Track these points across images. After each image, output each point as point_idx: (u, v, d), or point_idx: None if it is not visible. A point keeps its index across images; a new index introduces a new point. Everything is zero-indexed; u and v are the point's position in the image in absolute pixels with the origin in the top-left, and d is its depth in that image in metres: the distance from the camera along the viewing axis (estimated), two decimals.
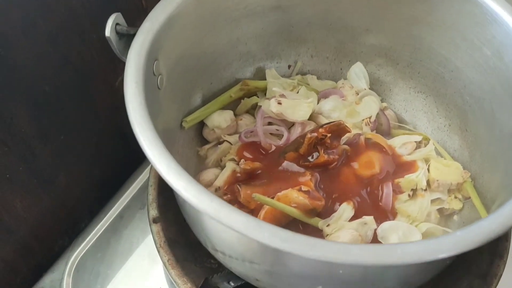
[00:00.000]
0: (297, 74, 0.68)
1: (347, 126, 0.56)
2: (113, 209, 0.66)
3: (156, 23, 0.48)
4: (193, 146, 0.62)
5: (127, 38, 0.48)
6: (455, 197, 0.56)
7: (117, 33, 0.47)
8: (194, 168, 0.61)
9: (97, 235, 0.64)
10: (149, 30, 0.47)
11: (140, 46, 0.46)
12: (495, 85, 0.52)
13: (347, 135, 0.57)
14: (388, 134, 0.63)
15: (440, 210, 0.56)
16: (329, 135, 0.54)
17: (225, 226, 0.36)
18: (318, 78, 0.68)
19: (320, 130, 0.54)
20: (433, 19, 0.56)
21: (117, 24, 0.47)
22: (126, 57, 0.45)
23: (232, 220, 0.36)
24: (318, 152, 0.55)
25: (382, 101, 0.66)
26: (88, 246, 0.64)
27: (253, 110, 0.65)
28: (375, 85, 0.67)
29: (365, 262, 0.34)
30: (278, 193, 0.52)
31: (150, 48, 0.46)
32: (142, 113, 0.42)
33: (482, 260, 0.53)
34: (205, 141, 0.63)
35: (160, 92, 0.51)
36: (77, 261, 0.62)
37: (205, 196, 0.37)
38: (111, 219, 0.66)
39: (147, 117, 0.42)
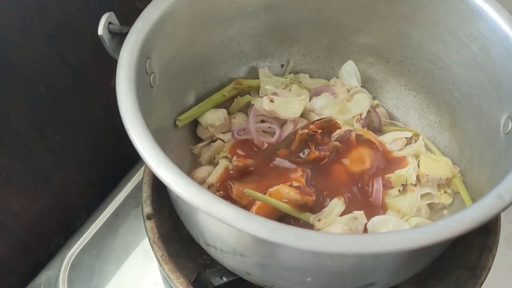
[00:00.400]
0: (290, 73, 0.69)
1: (337, 123, 0.56)
2: (108, 207, 0.67)
3: (148, 22, 0.49)
4: (187, 144, 0.63)
5: (120, 37, 0.49)
6: (445, 192, 0.57)
7: (110, 32, 0.48)
8: (188, 166, 0.62)
9: (93, 233, 0.65)
10: (141, 29, 0.48)
11: (132, 44, 0.47)
12: (483, 81, 0.53)
13: (338, 131, 0.58)
14: (379, 130, 0.63)
15: (430, 205, 0.57)
16: (319, 131, 0.55)
17: (214, 218, 0.37)
18: (311, 76, 0.69)
19: (311, 126, 0.55)
20: (422, 16, 0.57)
21: (109, 23, 0.48)
22: (119, 55, 0.46)
23: (221, 211, 0.37)
24: (309, 149, 0.56)
25: (374, 98, 0.67)
26: (84, 243, 0.64)
27: (246, 109, 0.65)
28: (367, 83, 0.68)
29: (350, 251, 0.35)
30: (270, 189, 0.53)
31: (142, 46, 0.47)
32: (133, 110, 0.43)
33: (471, 253, 0.54)
34: (199, 139, 0.64)
35: (153, 91, 0.52)
36: (72, 259, 0.63)
37: (194, 189, 0.38)
38: (107, 217, 0.67)
39: (138, 113, 0.42)
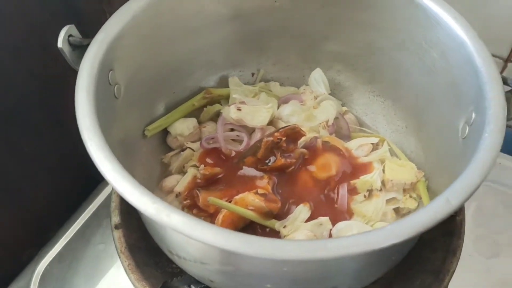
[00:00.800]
0: (260, 81, 0.69)
1: (302, 130, 0.57)
2: (80, 218, 0.68)
3: (110, 33, 0.49)
4: (157, 154, 0.63)
5: (81, 49, 0.49)
6: (410, 197, 0.57)
7: (71, 44, 0.49)
8: (158, 175, 0.62)
9: (64, 244, 0.66)
10: (102, 41, 0.48)
11: (93, 56, 0.47)
12: (443, 86, 0.54)
13: (304, 138, 0.59)
14: (348, 137, 0.64)
15: (396, 210, 0.57)
16: (284, 138, 0.56)
17: (166, 226, 0.37)
18: (281, 84, 0.69)
19: (276, 134, 0.56)
20: (383, 24, 0.58)
21: (70, 35, 0.48)
22: None
23: (172, 220, 0.37)
24: (275, 156, 0.57)
25: (343, 105, 0.68)
26: (55, 254, 0.65)
27: (217, 118, 0.65)
28: (336, 90, 0.68)
29: (297, 257, 0.35)
30: (235, 197, 0.54)
31: (104, 58, 0.48)
32: (91, 121, 0.43)
33: (435, 257, 0.54)
34: (169, 149, 0.64)
35: (118, 101, 0.52)
36: (43, 269, 0.63)
37: (147, 198, 0.38)
38: (78, 227, 0.67)
39: (96, 125, 0.43)
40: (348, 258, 0.39)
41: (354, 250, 0.35)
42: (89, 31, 0.53)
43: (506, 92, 0.46)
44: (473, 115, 0.47)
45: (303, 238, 0.51)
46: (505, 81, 0.46)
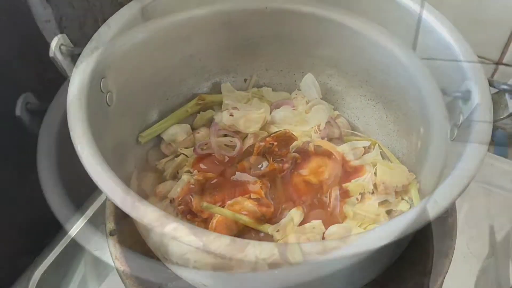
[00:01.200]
0: (253, 87, 0.70)
1: (293, 135, 0.58)
2: (75, 225, 0.68)
3: (101, 42, 0.50)
4: (152, 160, 0.64)
5: (73, 58, 0.50)
6: (402, 199, 0.58)
7: (62, 53, 0.49)
8: (152, 182, 0.62)
9: (60, 250, 0.66)
10: (94, 49, 0.49)
11: (85, 65, 0.48)
12: (432, 90, 0.54)
13: (295, 143, 0.59)
14: (340, 141, 0.64)
15: (388, 212, 0.58)
16: (275, 143, 0.56)
17: (158, 232, 0.38)
18: (274, 90, 0.70)
19: (268, 139, 0.57)
20: (372, 29, 0.58)
21: (61, 45, 0.49)
22: None
23: (164, 226, 0.38)
24: (268, 161, 0.57)
25: (335, 109, 0.69)
26: (51, 262, 0.65)
27: (210, 123, 0.66)
28: (328, 95, 0.69)
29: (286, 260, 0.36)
30: (229, 201, 0.54)
31: (95, 66, 0.48)
32: (83, 128, 0.44)
33: (427, 259, 0.55)
34: (164, 155, 0.65)
35: (110, 109, 0.53)
36: (39, 277, 0.63)
37: (139, 205, 0.39)
38: (74, 234, 0.67)
39: (88, 132, 0.44)
40: (339, 261, 0.39)
41: (344, 253, 0.36)
42: (81, 40, 0.54)
43: (493, 94, 0.46)
44: (461, 117, 0.47)
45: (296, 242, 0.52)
46: (491, 84, 0.46)
